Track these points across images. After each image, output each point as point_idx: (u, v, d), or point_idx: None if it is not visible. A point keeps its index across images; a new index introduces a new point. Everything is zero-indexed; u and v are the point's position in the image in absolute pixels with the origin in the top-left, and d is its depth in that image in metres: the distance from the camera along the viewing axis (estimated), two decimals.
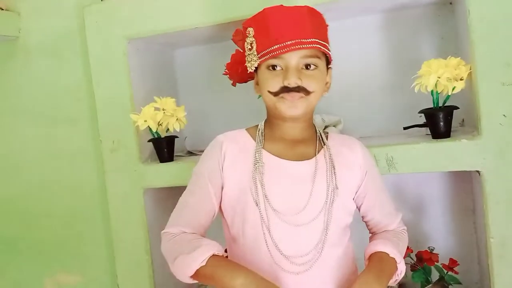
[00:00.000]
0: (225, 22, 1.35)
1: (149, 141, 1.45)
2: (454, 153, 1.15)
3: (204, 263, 0.87)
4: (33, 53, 1.78)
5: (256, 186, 0.95)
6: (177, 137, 1.46)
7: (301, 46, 0.90)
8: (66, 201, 1.80)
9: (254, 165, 0.96)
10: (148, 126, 1.37)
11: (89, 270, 1.82)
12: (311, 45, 0.91)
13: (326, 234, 0.95)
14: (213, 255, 0.89)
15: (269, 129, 1.01)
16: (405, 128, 1.35)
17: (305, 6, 0.95)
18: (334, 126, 1.45)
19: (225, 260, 0.91)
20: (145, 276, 1.48)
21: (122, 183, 1.49)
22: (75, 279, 1.86)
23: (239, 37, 1.30)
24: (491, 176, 1.12)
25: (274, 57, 0.92)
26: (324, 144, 1.00)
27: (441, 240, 1.45)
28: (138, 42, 1.48)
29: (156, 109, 1.37)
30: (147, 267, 1.48)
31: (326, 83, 1.01)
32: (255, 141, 1.00)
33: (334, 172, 0.96)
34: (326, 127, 1.44)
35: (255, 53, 0.95)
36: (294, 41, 0.90)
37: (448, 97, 1.17)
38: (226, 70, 1.31)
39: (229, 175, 0.98)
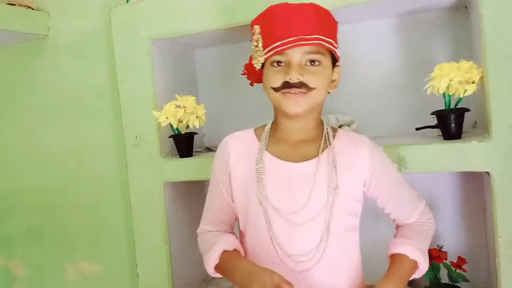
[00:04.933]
0: (243, 24, 1.40)
1: (170, 137, 1.51)
2: (464, 154, 1.18)
3: (217, 261, 0.99)
4: (61, 51, 1.87)
5: (258, 186, 0.98)
6: (196, 133, 1.52)
7: (303, 42, 0.91)
8: (89, 193, 1.89)
9: (256, 166, 0.99)
10: (169, 122, 1.43)
11: (109, 259, 1.90)
12: (314, 41, 0.92)
13: (327, 234, 0.96)
14: (224, 251, 0.99)
15: (274, 129, 1.04)
16: (417, 129, 1.39)
17: (311, 3, 0.95)
18: (348, 125, 1.49)
19: (231, 257, 0.99)
20: (164, 265, 1.55)
21: (143, 176, 1.56)
22: (95, 267, 1.94)
23: None
24: (499, 177, 1.15)
25: (277, 53, 0.93)
26: (330, 144, 1.00)
27: (452, 239, 1.48)
28: (161, 43, 1.54)
29: (177, 106, 1.43)
30: (166, 257, 1.55)
31: (334, 80, 1.01)
32: (259, 141, 1.03)
33: (336, 173, 0.96)
34: (340, 126, 1.49)
35: (261, 50, 0.96)
36: (297, 37, 0.91)
37: (460, 99, 1.20)
38: (244, 70, 1.36)
39: (235, 174, 1.03)
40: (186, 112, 1.43)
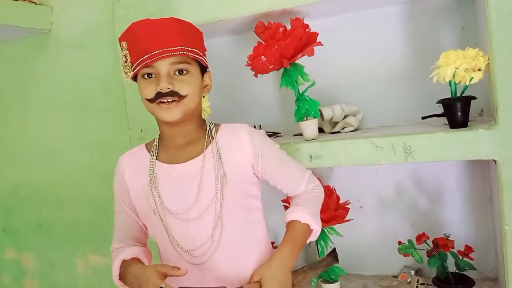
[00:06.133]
0: (247, 15, 1.39)
1: None
2: (471, 142, 1.17)
3: (118, 272, 1.05)
4: (64, 45, 1.87)
5: (153, 195, 1.05)
6: None
7: (167, 54, 0.97)
8: (96, 187, 1.90)
9: (149, 177, 1.05)
10: None
11: None
12: (178, 52, 0.98)
13: (221, 221, 1.02)
14: (123, 261, 1.05)
15: (162, 139, 1.10)
16: (423, 118, 1.38)
17: (171, 17, 1.01)
18: (353, 115, 1.49)
19: (126, 265, 1.05)
20: None
21: None
22: (106, 261, 1.96)
23: (261, 29, 1.35)
24: (506, 165, 1.14)
25: (146, 66, 0.98)
26: (213, 139, 1.06)
27: (459, 228, 1.48)
28: None
29: None
30: None
31: (206, 85, 1.09)
32: (150, 153, 1.09)
33: (221, 162, 1.03)
34: (345, 116, 1.48)
35: (129, 65, 1.02)
36: (161, 50, 0.97)
37: (466, 87, 1.19)
38: (249, 62, 1.36)
39: (132, 190, 1.09)
40: None
